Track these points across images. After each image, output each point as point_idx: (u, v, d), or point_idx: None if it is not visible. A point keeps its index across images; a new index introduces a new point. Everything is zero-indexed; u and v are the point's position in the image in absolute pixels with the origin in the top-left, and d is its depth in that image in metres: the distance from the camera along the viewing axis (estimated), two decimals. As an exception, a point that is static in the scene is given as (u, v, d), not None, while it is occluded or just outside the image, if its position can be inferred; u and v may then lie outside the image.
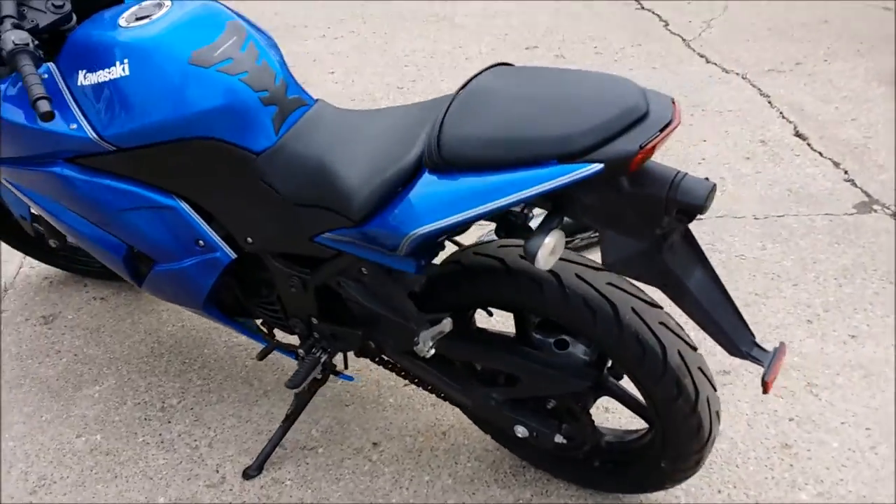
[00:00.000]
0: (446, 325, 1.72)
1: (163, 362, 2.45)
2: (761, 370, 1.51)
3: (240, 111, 1.65)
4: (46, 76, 1.83)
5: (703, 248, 2.12)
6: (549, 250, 1.43)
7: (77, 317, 2.61)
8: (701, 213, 1.37)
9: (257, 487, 2.07)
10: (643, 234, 1.42)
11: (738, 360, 2.28)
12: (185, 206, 1.85)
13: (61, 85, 1.81)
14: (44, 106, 1.54)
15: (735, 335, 1.48)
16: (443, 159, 1.45)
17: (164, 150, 1.76)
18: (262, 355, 2.13)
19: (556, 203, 1.50)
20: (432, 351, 1.74)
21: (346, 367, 2.13)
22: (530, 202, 1.54)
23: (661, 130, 1.33)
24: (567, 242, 2.20)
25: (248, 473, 2.10)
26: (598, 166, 1.33)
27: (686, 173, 1.38)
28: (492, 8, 4.53)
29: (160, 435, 2.22)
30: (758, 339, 1.52)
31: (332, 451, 2.17)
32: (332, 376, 2.13)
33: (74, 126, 1.79)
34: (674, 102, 1.41)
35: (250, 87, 1.65)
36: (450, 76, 3.86)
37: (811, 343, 2.41)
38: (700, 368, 1.66)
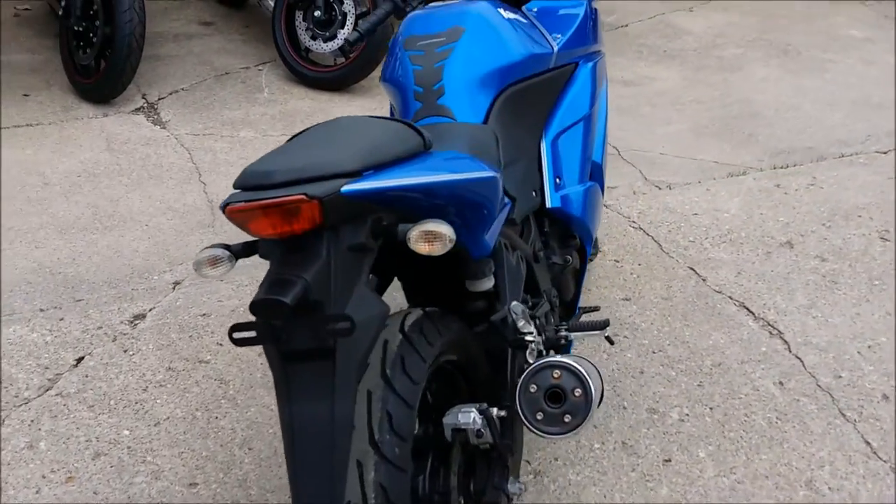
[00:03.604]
0: None
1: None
2: None
3: (402, 94, 1.95)
4: None
5: None
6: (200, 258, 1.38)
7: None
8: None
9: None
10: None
11: None
12: None
13: None
14: (352, 35, 2.13)
15: (300, 492, 1.31)
16: None
17: None
18: None
19: None
20: None
21: None
22: None
23: (250, 201, 1.26)
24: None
25: None
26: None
27: (282, 276, 1.26)
28: None
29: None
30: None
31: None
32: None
33: None
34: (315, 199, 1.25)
35: (414, 79, 1.92)
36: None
37: None
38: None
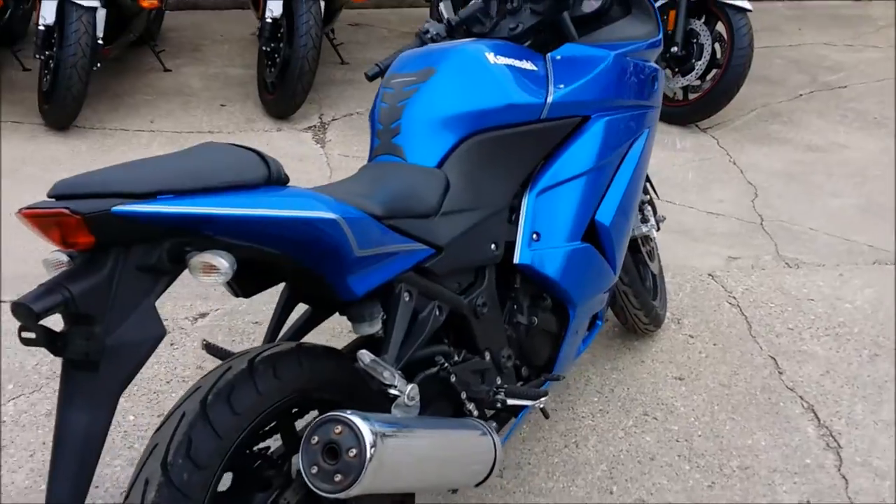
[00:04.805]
0: None
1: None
2: None
3: (371, 130, 1.98)
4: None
5: None
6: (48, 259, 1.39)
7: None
8: None
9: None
10: None
11: None
12: None
13: None
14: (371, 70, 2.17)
15: (48, 497, 1.29)
16: None
17: None
18: None
19: None
20: None
21: None
22: None
23: (37, 209, 1.27)
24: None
25: None
26: None
27: (51, 284, 1.27)
28: None
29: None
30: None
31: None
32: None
33: None
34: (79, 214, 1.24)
35: (378, 116, 1.95)
36: None
37: None
38: None
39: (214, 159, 1.43)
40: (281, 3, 4.29)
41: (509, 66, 1.94)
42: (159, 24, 5.82)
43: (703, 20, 4.38)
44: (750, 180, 3.87)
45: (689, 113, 4.44)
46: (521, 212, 1.95)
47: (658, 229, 2.62)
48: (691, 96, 4.46)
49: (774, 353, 2.66)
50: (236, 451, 1.47)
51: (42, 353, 2.65)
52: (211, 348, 1.77)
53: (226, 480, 1.56)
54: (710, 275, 3.09)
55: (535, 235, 1.94)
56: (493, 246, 1.88)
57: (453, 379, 1.75)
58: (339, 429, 1.32)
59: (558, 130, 2.01)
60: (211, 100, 4.75)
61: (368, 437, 1.30)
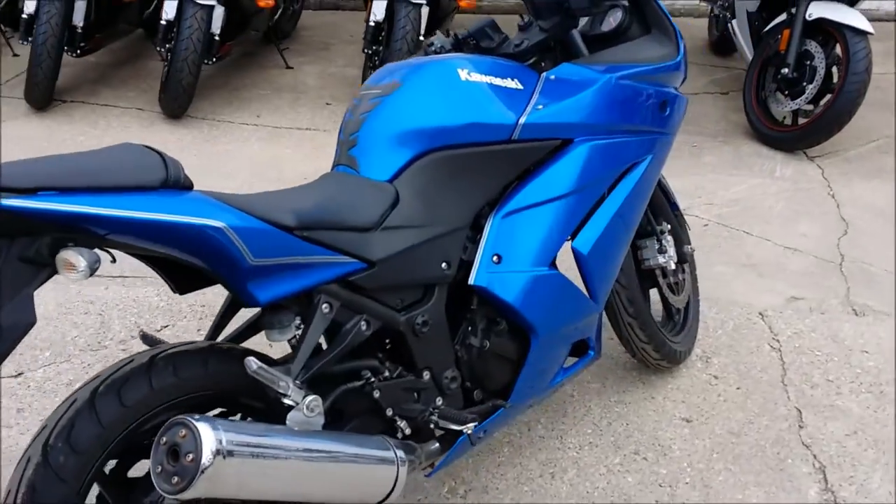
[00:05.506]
0: None
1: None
2: None
3: (337, 139, 2.00)
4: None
5: None
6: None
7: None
8: None
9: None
10: None
11: None
12: None
13: None
14: None
15: None
16: None
17: None
18: None
19: None
20: None
21: None
22: None
23: None
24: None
25: None
26: None
27: None
28: None
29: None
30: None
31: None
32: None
33: None
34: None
35: (344, 128, 1.98)
36: None
37: None
38: None
39: (113, 159, 1.48)
40: (384, 6, 4.39)
41: (486, 84, 1.91)
42: (294, 22, 6.07)
43: (820, 42, 4.10)
44: (844, 216, 3.59)
45: (795, 139, 4.17)
46: (484, 232, 1.91)
47: (681, 261, 2.49)
48: (801, 121, 4.19)
49: (802, 405, 2.46)
50: (128, 440, 1.54)
51: (83, 325, 2.87)
52: (146, 338, 1.84)
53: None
54: (760, 314, 2.90)
55: (495, 258, 1.89)
56: (444, 265, 1.85)
57: (377, 395, 1.74)
58: (183, 432, 1.35)
59: (532, 153, 1.95)
60: (319, 98, 4.91)
61: (209, 444, 1.33)
